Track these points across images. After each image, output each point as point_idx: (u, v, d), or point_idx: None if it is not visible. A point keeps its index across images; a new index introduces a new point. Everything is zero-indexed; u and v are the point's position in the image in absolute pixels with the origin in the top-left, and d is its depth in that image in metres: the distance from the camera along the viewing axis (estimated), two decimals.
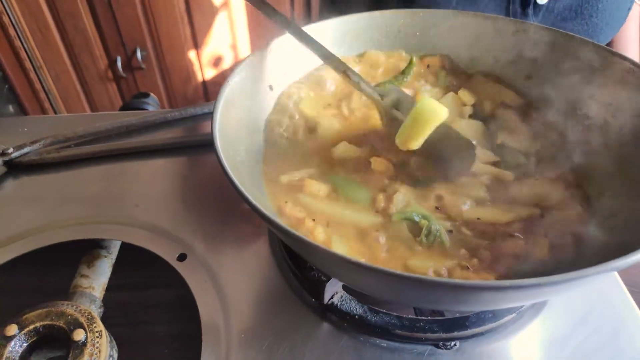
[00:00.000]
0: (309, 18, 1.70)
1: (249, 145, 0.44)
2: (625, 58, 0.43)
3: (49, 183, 0.53)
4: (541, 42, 0.46)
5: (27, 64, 1.74)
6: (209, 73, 1.79)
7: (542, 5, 0.56)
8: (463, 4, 0.59)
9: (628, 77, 0.42)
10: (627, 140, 0.41)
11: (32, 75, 1.77)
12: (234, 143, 0.41)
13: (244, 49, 1.74)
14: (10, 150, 0.54)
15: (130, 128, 0.57)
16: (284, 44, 0.49)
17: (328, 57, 0.45)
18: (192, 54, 1.74)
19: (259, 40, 1.72)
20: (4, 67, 1.75)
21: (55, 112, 1.88)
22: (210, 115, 0.60)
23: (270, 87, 0.47)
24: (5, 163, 0.53)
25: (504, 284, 0.27)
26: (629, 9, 0.62)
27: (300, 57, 0.50)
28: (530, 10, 0.57)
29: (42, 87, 1.81)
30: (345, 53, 0.52)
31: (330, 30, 0.51)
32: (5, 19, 1.61)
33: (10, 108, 1.93)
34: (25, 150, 0.54)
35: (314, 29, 0.49)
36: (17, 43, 1.68)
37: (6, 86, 1.83)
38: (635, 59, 0.71)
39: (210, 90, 1.84)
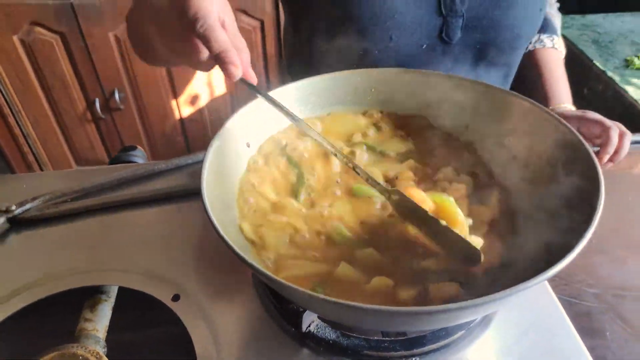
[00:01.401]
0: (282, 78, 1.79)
1: (228, 196, 0.51)
2: (523, 98, 0.52)
3: (49, 236, 0.59)
4: (476, 94, 0.55)
5: (6, 110, 1.78)
6: (186, 111, 1.86)
7: None
8: (398, 5, 0.64)
9: (528, 114, 0.52)
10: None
11: (11, 119, 1.81)
12: (218, 196, 0.48)
13: (220, 87, 1.82)
14: (13, 207, 0.59)
15: (121, 181, 0.64)
16: (261, 105, 0.56)
17: (329, 145, 0.49)
18: (169, 93, 1.80)
19: (232, 82, 1.79)
20: None
21: (34, 155, 1.92)
22: (193, 165, 0.67)
23: (248, 145, 0.54)
24: (9, 219, 0.59)
25: (431, 309, 0.34)
26: (541, 10, 0.73)
27: (276, 115, 0.57)
28: (457, 1, 0.65)
29: (21, 131, 1.85)
30: (310, 113, 0.59)
31: (294, 91, 0.58)
32: None
33: None
34: (27, 206, 0.60)
35: (279, 93, 0.57)
36: None
37: None
38: (566, 97, 0.82)
39: (187, 127, 1.91)
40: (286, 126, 0.57)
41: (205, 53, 0.43)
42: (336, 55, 0.69)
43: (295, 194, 0.50)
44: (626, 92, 1.05)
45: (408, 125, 0.58)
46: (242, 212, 0.48)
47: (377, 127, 0.57)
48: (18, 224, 0.60)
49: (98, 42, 1.65)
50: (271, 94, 0.55)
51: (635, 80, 1.09)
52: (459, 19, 0.65)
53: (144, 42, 0.53)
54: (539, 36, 0.84)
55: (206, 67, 0.46)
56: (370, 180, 0.47)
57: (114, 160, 0.71)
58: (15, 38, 1.62)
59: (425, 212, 0.44)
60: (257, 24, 1.73)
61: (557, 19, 0.88)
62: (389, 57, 0.67)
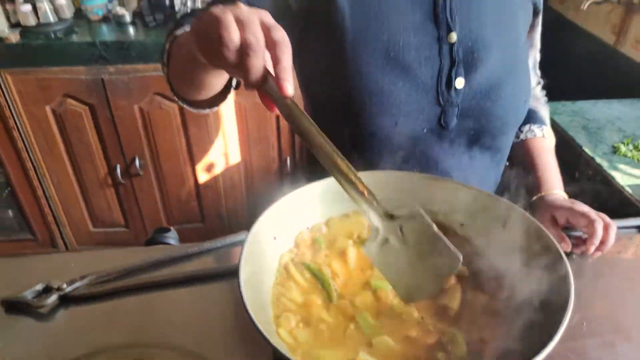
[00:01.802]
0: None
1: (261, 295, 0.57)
2: (500, 199, 0.60)
3: (94, 313, 0.66)
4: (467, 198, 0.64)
5: (32, 173, 1.88)
6: (202, 177, 1.96)
7: (460, 89, 0.75)
8: (406, 89, 0.73)
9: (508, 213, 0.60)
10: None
11: (35, 182, 1.91)
12: (254, 286, 0.55)
13: (235, 156, 1.93)
14: (64, 285, 0.66)
15: (157, 262, 0.71)
16: (291, 199, 0.64)
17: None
18: (186, 161, 1.91)
19: (248, 150, 1.91)
20: (8, 175, 1.89)
21: (53, 215, 2.00)
22: (222, 249, 0.75)
23: (274, 238, 0.62)
24: (60, 297, 0.66)
25: None
26: (525, 101, 0.82)
27: (303, 210, 0.64)
28: (453, 92, 0.74)
29: (44, 193, 1.94)
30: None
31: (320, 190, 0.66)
32: (15, 133, 1.78)
33: (10, 212, 2.04)
34: (76, 285, 0.67)
35: (301, 193, 0.64)
36: (24, 155, 1.83)
37: (7, 190, 1.95)
38: (558, 184, 0.89)
39: (202, 193, 2.00)
40: (312, 223, 0.65)
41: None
42: (345, 138, 0.78)
43: (322, 294, 0.57)
44: (613, 178, 1.14)
45: None
46: (276, 317, 0.55)
47: None
48: (67, 300, 0.67)
49: (124, 113, 1.77)
50: (291, 195, 0.62)
51: (622, 167, 1.19)
52: (454, 109, 0.75)
53: (191, 71, 0.59)
54: (530, 126, 0.93)
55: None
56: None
57: (149, 241, 0.79)
58: (47, 108, 1.75)
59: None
60: None
61: (545, 111, 0.98)
62: (394, 139, 0.75)
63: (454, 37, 0.73)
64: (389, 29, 0.70)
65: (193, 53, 0.51)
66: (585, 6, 1.74)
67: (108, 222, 2.05)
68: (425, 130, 0.76)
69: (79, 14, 1.88)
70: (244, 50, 0.44)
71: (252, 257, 0.54)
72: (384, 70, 0.71)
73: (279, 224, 0.61)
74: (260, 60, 0.44)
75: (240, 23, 0.44)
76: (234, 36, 0.44)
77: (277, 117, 1.89)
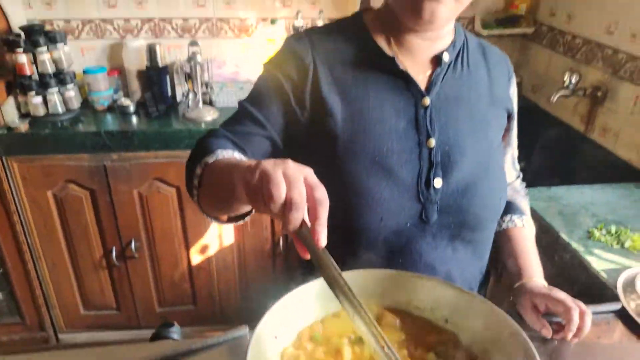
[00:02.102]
0: None
1: None
2: (480, 299, 0.66)
3: None
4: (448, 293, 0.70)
5: (27, 256, 1.91)
6: (196, 259, 1.99)
7: (439, 188, 0.81)
8: (389, 188, 0.79)
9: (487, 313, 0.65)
10: None
11: (30, 265, 1.93)
12: None
13: (229, 238, 1.98)
14: None
15: (163, 358, 0.75)
16: (294, 299, 0.68)
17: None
18: (181, 244, 1.95)
19: (241, 231, 1.96)
20: (3, 258, 1.91)
21: (44, 297, 2.00)
22: (224, 344, 0.79)
23: (275, 337, 0.67)
24: None
25: None
26: (500, 198, 0.90)
27: (301, 308, 0.69)
28: (432, 190, 0.81)
29: (37, 275, 1.96)
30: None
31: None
32: (15, 217, 1.83)
33: (0, 295, 2.03)
34: None
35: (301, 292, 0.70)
36: (22, 238, 1.87)
37: (0, 272, 1.96)
38: (537, 271, 0.94)
39: (195, 275, 2.03)
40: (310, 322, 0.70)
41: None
42: (331, 235, 0.85)
43: None
44: (589, 263, 1.21)
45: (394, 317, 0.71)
46: None
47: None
48: None
49: (123, 197, 1.84)
50: (291, 295, 0.67)
51: (597, 252, 1.26)
52: (434, 205, 0.82)
53: (227, 200, 0.66)
54: (511, 216, 1.01)
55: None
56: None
57: (154, 336, 0.82)
58: (49, 193, 1.81)
59: None
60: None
61: (525, 202, 1.06)
62: (379, 234, 0.81)
63: (432, 142, 0.81)
64: (374, 137, 0.79)
65: (234, 190, 0.59)
66: (554, 99, 1.90)
67: (99, 304, 2.05)
68: (408, 225, 0.82)
69: (86, 104, 2.00)
70: (288, 205, 0.51)
71: (256, 358, 0.59)
72: (369, 173, 0.79)
73: (279, 324, 0.66)
74: (301, 215, 0.52)
75: (287, 179, 0.52)
76: (282, 193, 0.51)
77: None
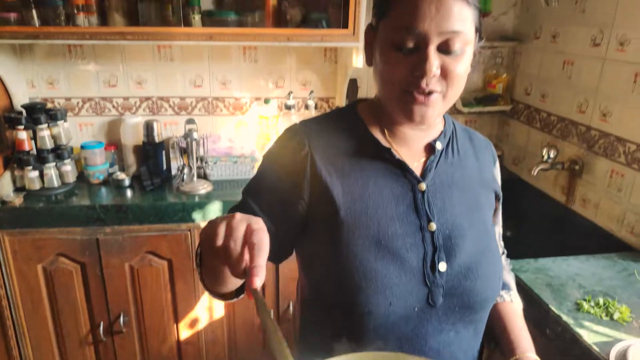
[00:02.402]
0: None
1: None
2: None
3: None
4: None
5: (11, 332, 1.86)
6: (185, 333, 1.95)
7: (443, 272, 0.82)
8: (397, 272, 0.80)
9: None
10: None
11: (12, 342, 1.87)
12: None
13: (219, 311, 1.96)
14: None
15: None
16: None
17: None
18: (170, 318, 1.92)
19: (232, 303, 1.94)
20: None
21: None
22: None
23: None
24: None
25: None
26: (499, 277, 0.91)
27: None
28: (437, 274, 0.82)
29: (20, 354, 1.89)
30: None
31: None
32: (2, 292, 1.80)
33: None
34: None
35: None
36: (7, 313, 1.83)
37: None
38: (528, 346, 0.96)
39: (183, 350, 1.98)
40: None
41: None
42: (339, 315, 0.86)
43: None
44: (581, 336, 1.22)
45: None
46: None
47: None
48: None
49: (114, 271, 1.83)
50: None
51: (587, 324, 1.28)
52: (440, 289, 0.83)
53: (212, 268, 0.71)
54: (499, 292, 1.03)
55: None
56: None
57: None
58: (39, 267, 1.80)
59: None
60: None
61: (510, 278, 1.09)
62: (388, 318, 0.81)
63: (433, 226, 0.84)
64: (378, 221, 0.82)
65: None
66: (535, 172, 1.99)
67: None
68: (416, 309, 0.82)
69: (82, 177, 2.04)
70: (226, 251, 0.60)
71: None
72: (377, 256, 0.80)
73: None
74: (236, 259, 0.60)
75: (229, 229, 0.61)
76: (219, 241, 0.60)
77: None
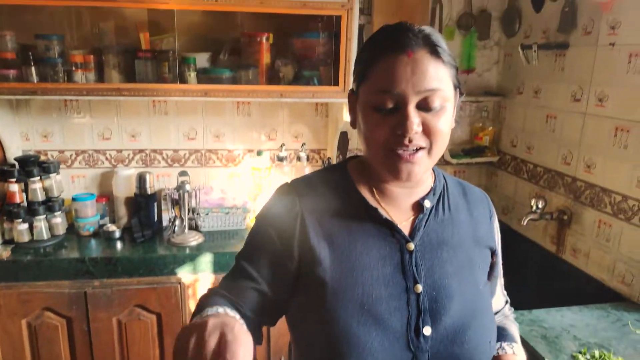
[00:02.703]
0: None
1: None
2: None
3: None
4: None
5: None
6: None
7: (428, 336, 0.80)
8: (379, 338, 0.78)
9: None
10: None
11: None
12: None
13: None
14: None
15: None
16: None
17: None
18: None
19: None
20: None
21: None
22: None
23: None
24: None
25: None
26: (490, 341, 0.87)
27: None
28: (421, 338, 0.79)
29: None
30: None
31: None
32: None
33: None
34: None
35: None
36: None
37: None
38: None
39: None
40: None
41: None
42: None
43: None
44: None
45: None
46: None
47: None
48: None
49: (101, 325, 1.79)
50: None
51: None
52: (425, 354, 0.81)
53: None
54: (501, 344, 0.98)
55: None
56: None
57: None
58: (24, 321, 1.75)
59: None
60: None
61: (515, 328, 1.05)
62: None
63: (419, 288, 0.83)
64: (363, 283, 0.81)
65: None
66: (524, 222, 2.01)
67: None
68: None
69: (72, 229, 2.02)
70: None
71: None
72: (359, 321, 0.79)
73: None
74: None
75: (200, 343, 0.59)
76: (189, 355, 0.59)
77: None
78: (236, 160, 2.30)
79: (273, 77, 2.04)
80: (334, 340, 0.79)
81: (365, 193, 0.89)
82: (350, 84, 1.94)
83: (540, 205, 2.02)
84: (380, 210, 0.87)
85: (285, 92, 1.97)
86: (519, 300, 1.67)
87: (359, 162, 0.94)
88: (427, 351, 0.81)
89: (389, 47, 0.78)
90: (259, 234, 0.89)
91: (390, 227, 0.86)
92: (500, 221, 2.47)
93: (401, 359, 0.80)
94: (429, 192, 0.91)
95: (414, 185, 0.88)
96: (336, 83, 2.00)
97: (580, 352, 1.35)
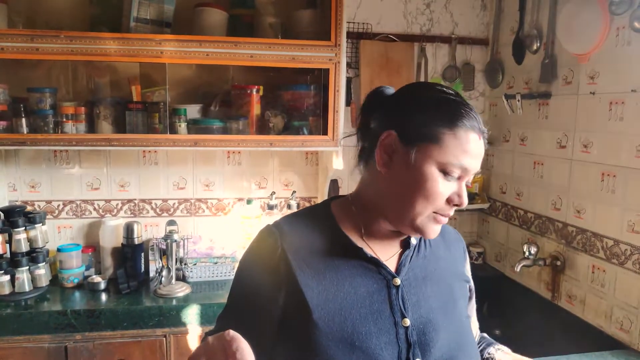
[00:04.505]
0: None
1: None
2: None
3: None
4: None
5: None
6: None
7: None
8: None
9: None
10: None
11: None
12: None
13: None
14: None
15: None
16: None
17: None
18: None
19: None
20: None
21: None
22: None
23: None
24: None
25: None
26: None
27: None
28: None
29: None
30: None
31: None
32: None
33: None
34: None
35: None
36: None
37: None
38: None
39: None
40: None
41: None
42: None
43: None
44: None
45: None
46: None
47: None
48: None
49: None
50: None
51: None
52: None
53: None
54: (495, 346, 1.04)
55: None
56: None
57: None
58: None
59: None
60: None
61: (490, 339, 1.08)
62: None
63: (407, 322, 0.83)
64: (353, 320, 0.80)
65: None
66: (518, 268, 1.99)
67: None
68: None
69: (55, 280, 1.96)
70: None
71: None
72: (351, 358, 0.78)
73: None
74: None
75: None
76: None
77: None
78: (226, 209, 2.29)
79: (263, 127, 2.06)
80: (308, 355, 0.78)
81: (349, 231, 0.89)
82: (340, 134, 1.98)
83: (532, 251, 2.01)
84: (366, 249, 0.87)
85: (275, 142, 1.99)
86: (516, 348, 1.62)
87: (343, 201, 0.94)
88: None
89: (466, 120, 0.80)
90: (241, 287, 0.88)
91: (376, 264, 0.86)
92: (493, 268, 2.46)
93: None
94: None
95: None
96: (325, 132, 2.03)
97: None
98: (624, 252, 1.67)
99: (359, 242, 0.87)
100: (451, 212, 0.83)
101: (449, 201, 0.82)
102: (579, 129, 1.88)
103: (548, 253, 2.03)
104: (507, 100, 2.19)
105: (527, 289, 2.17)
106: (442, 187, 0.80)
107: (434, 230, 0.84)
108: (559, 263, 1.96)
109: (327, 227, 0.89)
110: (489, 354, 1.02)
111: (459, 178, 0.81)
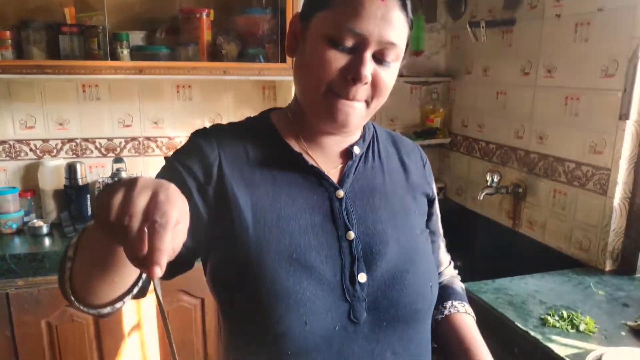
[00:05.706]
0: None
1: None
2: None
3: None
4: None
5: None
6: None
7: (364, 283, 0.75)
8: (311, 288, 0.72)
9: None
10: None
11: None
12: None
13: None
14: None
15: None
16: None
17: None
18: None
19: (169, 356, 1.72)
20: None
21: None
22: None
23: None
24: None
25: None
26: (431, 286, 0.82)
27: None
28: (357, 287, 0.74)
29: None
30: None
31: None
32: None
33: None
34: None
35: None
36: None
37: None
38: (487, 356, 0.86)
39: None
40: None
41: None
42: (253, 338, 0.74)
43: None
44: (552, 350, 1.15)
45: None
46: None
47: None
48: None
49: (28, 330, 1.58)
50: None
51: (555, 337, 1.21)
52: (362, 303, 0.75)
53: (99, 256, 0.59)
54: (452, 302, 0.93)
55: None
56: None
57: None
58: None
59: None
60: (197, 302, 1.77)
61: (462, 287, 1.00)
62: (306, 339, 0.72)
63: (352, 235, 0.77)
64: (290, 233, 0.74)
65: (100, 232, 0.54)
66: (481, 197, 1.98)
67: None
68: (337, 328, 0.74)
69: None
70: (121, 229, 0.47)
71: None
72: (288, 271, 0.72)
73: None
74: (133, 240, 0.47)
75: (127, 200, 0.48)
76: (112, 215, 0.48)
77: (203, 320, 1.77)
78: (177, 147, 2.14)
79: (215, 55, 1.91)
80: (261, 294, 0.72)
81: (290, 140, 0.81)
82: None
83: (495, 179, 2.00)
84: (306, 156, 0.80)
85: (229, 69, 1.85)
86: (480, 274, 1.63)
87: (283, 112, 0.85)
88: (364, 299, 0.76)
89: None
90: (169, 174, 0.75)
91: (317, 175, 0.79)
92: (454, 202, 2.46)
93: (337, 310, 0.74)
94: (359, 139, 0.85)
95: (346, 133, 0.81)
96: (284, 60, 1.90)
97: (549, 314, 1.31)
98: (586, 173, 1.68)
99: (299, 151, 0.80)
100: (354, 91, 0.72)
101: (344, 76, 0.71)
102: (544, 54, 1.84)
103: (510, 181, 2.03)
104: (471, 29, 2.12)
105: (488, 219, 2.19)
106: (330, 56, 0.71)
107: (340, 112, 0.73)
108: (520, 190, 1.97)
109: (266, 136, 0.81)
110: (454, 306, 0.94)
111: (357, 49, 0.71)
